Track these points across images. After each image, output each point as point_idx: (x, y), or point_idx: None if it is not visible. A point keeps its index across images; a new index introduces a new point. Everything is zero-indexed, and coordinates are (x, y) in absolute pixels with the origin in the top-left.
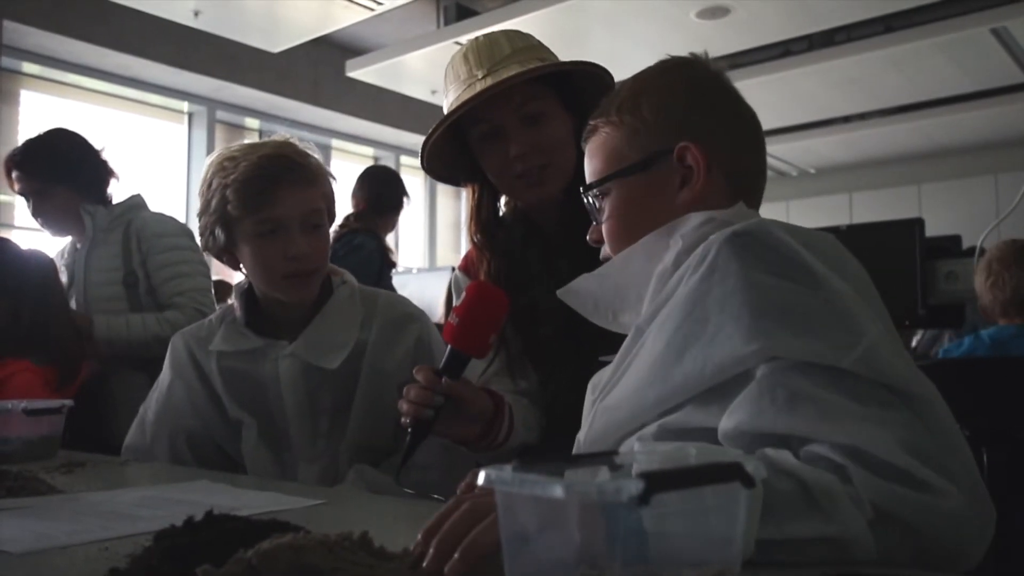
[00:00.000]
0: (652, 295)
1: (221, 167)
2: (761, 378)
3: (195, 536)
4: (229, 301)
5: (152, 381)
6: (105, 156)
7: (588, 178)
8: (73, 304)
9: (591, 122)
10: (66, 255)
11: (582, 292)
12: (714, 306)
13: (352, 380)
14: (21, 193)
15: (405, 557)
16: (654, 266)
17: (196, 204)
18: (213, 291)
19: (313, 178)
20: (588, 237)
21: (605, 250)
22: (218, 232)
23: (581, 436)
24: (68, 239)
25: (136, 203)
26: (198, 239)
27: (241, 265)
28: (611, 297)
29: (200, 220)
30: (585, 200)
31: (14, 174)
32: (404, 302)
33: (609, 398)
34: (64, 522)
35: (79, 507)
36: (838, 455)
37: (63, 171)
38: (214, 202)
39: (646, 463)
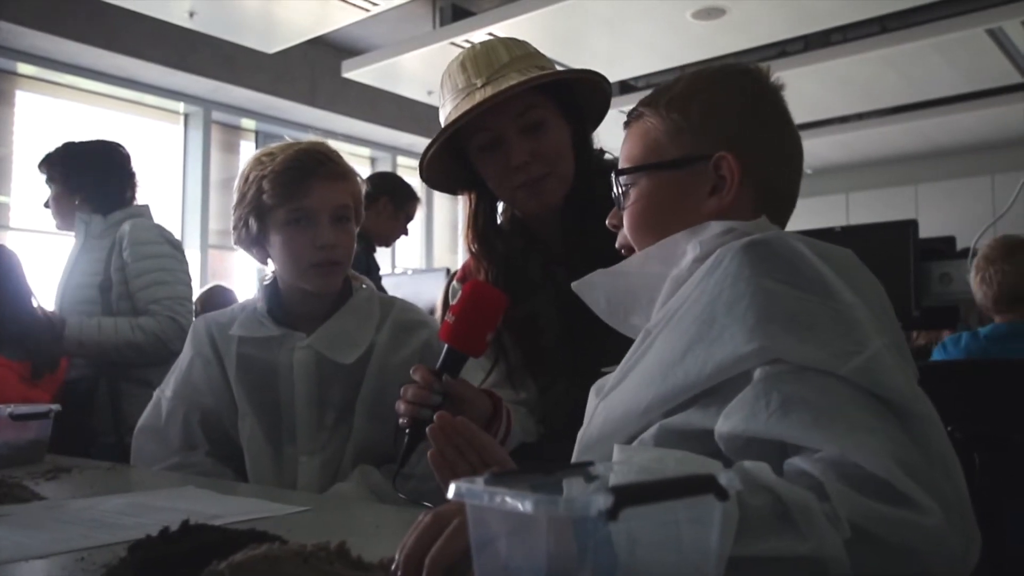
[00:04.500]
0: (664, 299)
1: (259, 162)
2: (758, 381)
3: (170, 547)
4: (253, 295)
5: (111, 387)
6: (127, 173)
7: (622, 162)
8: (53, 304)
9: (637, 108)
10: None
11: (597, 287)
12: (722, 308)
13: (360, 377)
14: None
15: (382, 568)
16: (670, 270)
17: (193, 205)
18: (194, 301)
19: (344, 175)
20: (607, 221)
21: (621, 236)
22: (251, 222)
23: (581, 434)
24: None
25: (133, 213)
26: (231, 231)
27: (270, 258)
28: (624, 296)
29: (235, 212)
30: (614, 184)
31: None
32: (418, 310)
33: (611, 397)
34: (44, 531)
35: (61, 515)
36: (818, 470)
37: (57, 174)
38: (250, 193)
39: (621, 475)
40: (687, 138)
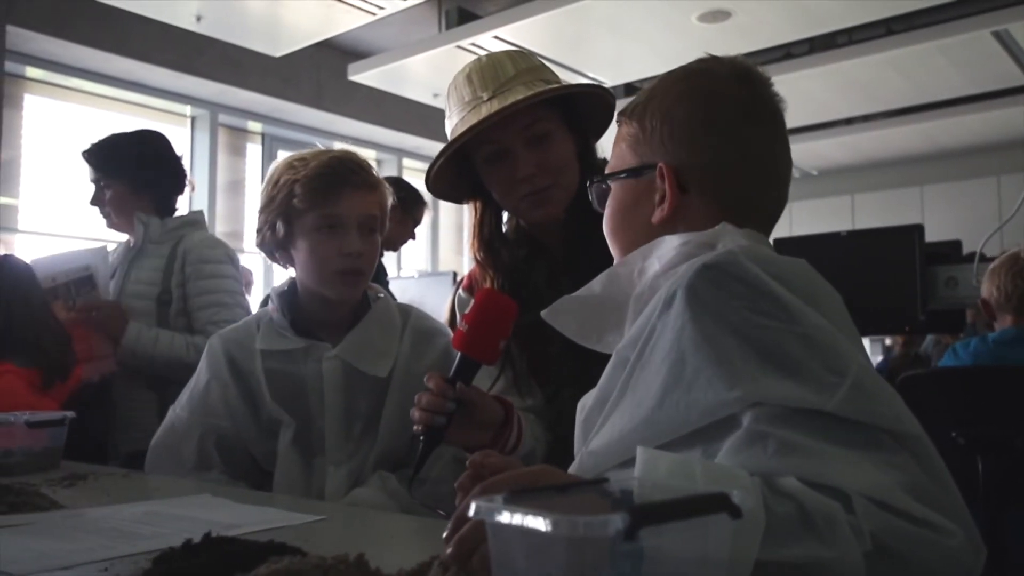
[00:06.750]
0: (631, 319)
1: (291, 166)
2: (749, 427)
3: (193, 560)
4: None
5: (160, 400)
6: (183, 167)
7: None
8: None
9: (619, 116)
10: (118, 253)
11: (566, 313)
12: (689, 346)
13: (386, 387)
14: (90, 180)
15: None
16: (632, 290)
17: (200, 207)
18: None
19: (374, 185)
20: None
21: None
22: (279, 226)
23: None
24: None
25: (192, 220)
26: (254, 235)
27: (293, 263)
28: (594, 319)
29: (261, 216)
30: (589, 192)
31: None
32: (432, 318)
33: (594, 442)
34: (65, 540)
35: (81, 524)
36: (844, 485)
37: (123, 170)
38: (279, 197)
39: (639, 493)
40: (644, 146)
